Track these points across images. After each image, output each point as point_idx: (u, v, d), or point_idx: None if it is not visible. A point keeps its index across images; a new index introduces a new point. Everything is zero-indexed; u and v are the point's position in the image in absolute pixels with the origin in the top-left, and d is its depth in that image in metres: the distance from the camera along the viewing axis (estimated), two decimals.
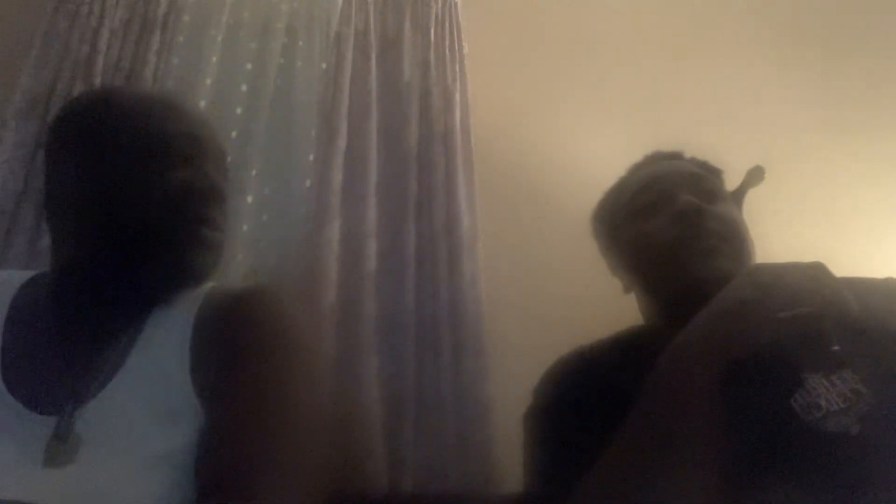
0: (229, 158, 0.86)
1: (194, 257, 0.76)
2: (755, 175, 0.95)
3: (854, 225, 1.59)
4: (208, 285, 0.81)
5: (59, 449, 0.65)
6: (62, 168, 0.79)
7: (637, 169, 0.97)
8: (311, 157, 1.62)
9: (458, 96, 1.65)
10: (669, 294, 0.84)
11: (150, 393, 0.69)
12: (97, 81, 1.57)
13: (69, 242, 0.77)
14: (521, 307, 1.51)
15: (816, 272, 0.69)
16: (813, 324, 0.64)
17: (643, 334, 0.90)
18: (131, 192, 0.74)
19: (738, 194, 0.94)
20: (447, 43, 1.70)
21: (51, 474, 0.63)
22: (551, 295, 1.50)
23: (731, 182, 0.97)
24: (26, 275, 0.82)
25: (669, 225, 0.83)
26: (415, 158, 1.59)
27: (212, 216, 0.77)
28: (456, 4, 1.76)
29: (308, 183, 1.61)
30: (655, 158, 0.97)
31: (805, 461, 0.68)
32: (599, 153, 1.49)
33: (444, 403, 1.40)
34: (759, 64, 1.77)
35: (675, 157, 0.97)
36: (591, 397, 0.80)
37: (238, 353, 0.71)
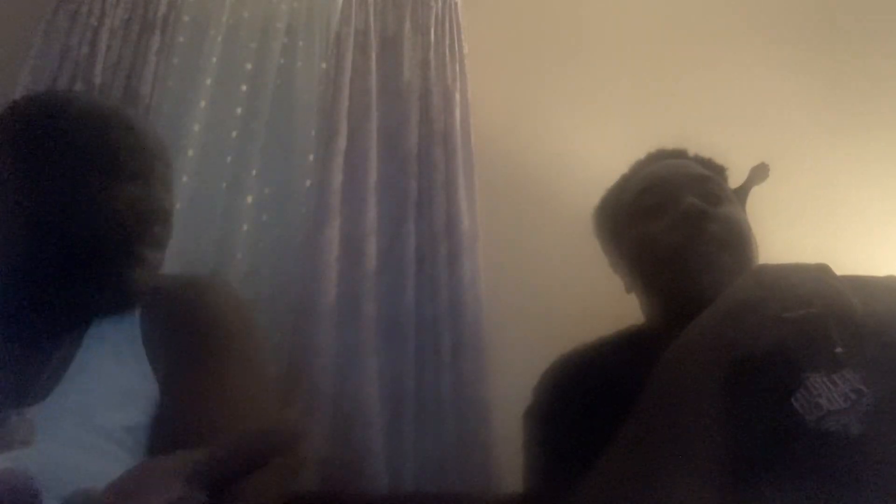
0: (174, 171, 0.85)
1: (130, 276, 0.76)
2: (759, 172, 0.95)
3: (856, 225, 1.59)
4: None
5: (11, 436, 0.66)
6: (2, 168, 0.77)
7: (640, 167, 0.97)
8: (311, 157, 1.62)
9: (458, 96, 1.65)
10: (671, 296, 0.84)
11: (107, 377, 0.71)
12: (97, 81, 1.57)
13: (9, 241, 0.77)
14: (521, 307, 1.51)
15: (820, 273, 0.68)
16: (817, 325, 0.64)
17: (643, 333, 0.89)
18: (74, 206, 0.73)
19: (742, 192, 0.94)
20: (447, 43, 1.70)
21: (5, 455, 0.64)
22: (551, 295, 1.50)
23: (735, 181, 0.96)
24: None
25: (673, 227, 0.82)
26: (415, 158, 1.59)
27: (153, 237, 0.78)
28: (456, 4, 1.76)
29: (308, 183, 1.61)
30: (659, 157, 0.96)
31: (806, 461, 0.68)
32: (600, 153, 1.49)
33: (444, 403, 1.40)
34: (762, 64, 1.77)
35: (679, 154, 0.96)
36: (590, 396, 0.80)
37: (189, 338, 0.73)
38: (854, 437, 0.66)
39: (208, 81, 1.63)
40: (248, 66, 1.69)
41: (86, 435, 0.66)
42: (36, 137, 0.76)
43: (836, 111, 1.72)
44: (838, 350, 0.65)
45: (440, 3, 1.74)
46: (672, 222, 0.83)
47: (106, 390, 0.70)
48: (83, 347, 0.74)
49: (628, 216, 0.90)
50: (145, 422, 0.68)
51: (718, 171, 0.94)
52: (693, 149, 0.97)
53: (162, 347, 0.73)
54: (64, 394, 0.70)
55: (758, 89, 1.74)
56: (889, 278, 0.83)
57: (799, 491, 0.66)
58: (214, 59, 1.66)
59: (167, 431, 0.67)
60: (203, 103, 1.60)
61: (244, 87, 1.67)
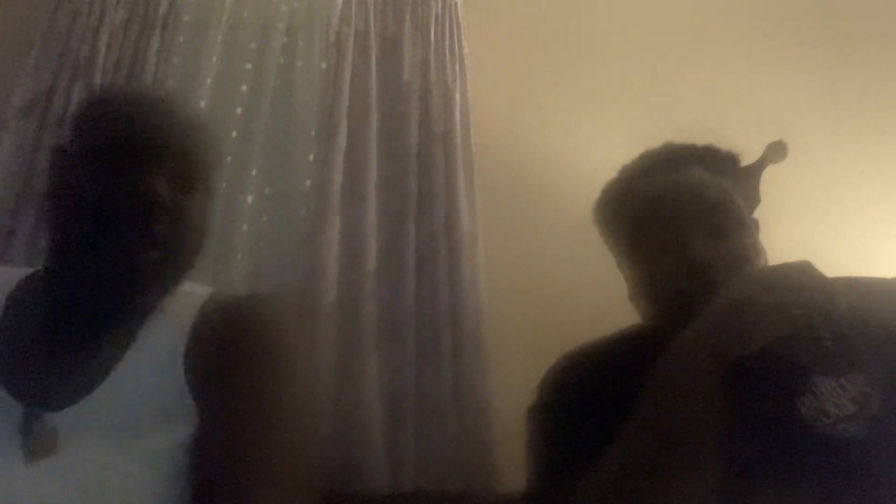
0: (209, 161, 0.80)
1: (122, 276, 0.71)
2: (776, 151, 0.88)
3: (857, 224, 1.58)
4: (206, 291, 0.81)
5: (35, 444, 0.65)
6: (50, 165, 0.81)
7: (646, 167, 0.91)
8: (311, 157, 1.62)
9: (458, 96, 1.65)
10: (674, 325, 0.82)
11: (145, 392, 0.69)
12: (97, 81, 1.57)
13: (50, 241, 0.78)
14: (521, 307, 1.51)
15: (804, 270, 0.69)
16: (805, 321, 0.65)
17: (646, 332, 0.89)
18: (73, 199, 0.73)
19: (756, 170, 0.89)
20: (447, 43, 1.70)
21: (31, 469, 0.63)
22: (551, 295, 1.50)
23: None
24: (24, 271, 0.82)
25: (678, 274, 0.79)
26: (415, 158, 1.59)
27: (147, 232, 0.71)
28: (456, 4, 1.76)
29: (308, 183, 1.61)
30: (666, 153, 0.92)
31: (812, 468, 0.67)
32: (600, 152, 1.48)
33: (444, 403, 1.40)
34: (762, 63, 1.77)
35: (688, 150, 0.91)
36: (594, 394, 0.80)
37: (233, 361, 0.72)
38: (862, 442, 0.66)
39: (208, 81, 1.63)
40: (248, 66, 1.69)
41: (113, 455, 0.64)
42: (76, 128, 0.79)
43: (839, 110, 1.72)
44: (827, 343, 0.65)
45: (440, 3, 1.74)
46: (676, 268, 0.79)
47: (140, 407, 0.68)
48: (123, 360, 0.72)
49: (631, 238, 0.87)
50: (178, 444, 0.67)
51: (729, 161, 0.90)
52: (701, 140, 0.93)
53: (207, 368, 0.71)
54: (95, 403, 0.68)
55: (758, 88, 1.74)
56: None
57: (804, 495, 0.66)
58: (214, 59, 1.66)
59: (207, 459, 0.65)
60: (203, 103, 1.60)
61: (244, 87, 1.66)
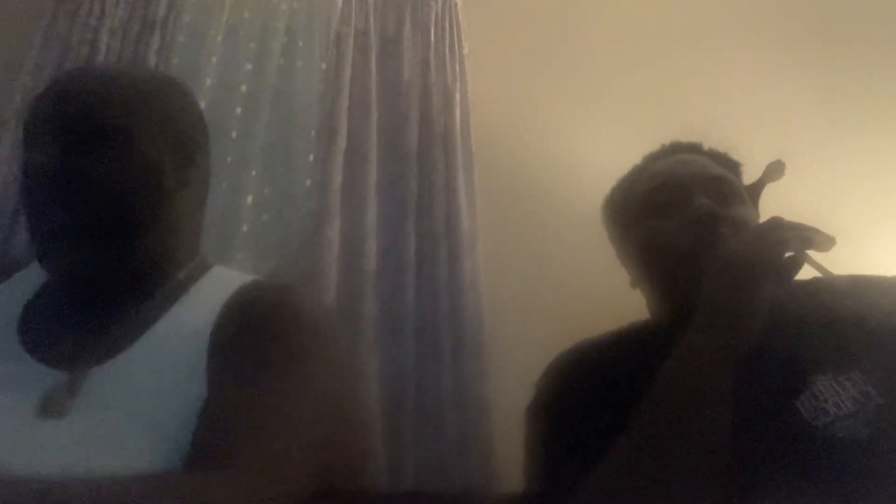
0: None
1: (50, 250, 0.75)
2: (775, 170, 0.90)
3: (857, 224, 1.58)
4: (250, 277, 0.83)
5: (57, 402, 0.65)
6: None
7: (654, 159, 0.94)
8: (311, 157, 1.62)
9: (458, 96, 1.66)
10: (677, 295, 0.82)
11: (163, 367, 0.70)
12: None
13: None
14: (521, 307, 1.51)
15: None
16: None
17: (648, 329, 0.89)
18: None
19: (756, 189, 0.91)
20: (447, 43, 1.71)
21: (44, 425, 0.64)
22: (551, 295, 1.50)
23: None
24: None
25: (682, 228, 0.80)
26: (415, 158, 1.59)
27: (56, 203, 0.73)
28: (456, 4, 1.76)
29: (308, 183, 1.61)
30: (674, 149, 0.93)
31: (812, 467, 0.67)
32: (600, 152, 1.49)
33: (444, 403, 1.40)
34: (764, 64, 1.77)
35: (694, 148, 0.93)
36: (594, 391, 0.79)
37: (254, 336, 0.72)
38: (862, 442, 0.65)
39: (208, 81, 1.63)
40: (248, 66, 1.69)
41: (118, 422, 0.64)
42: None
43: (841, 111, 1.72)
44: (826, 340, 0.65)
45: (440, 3, 1.74)
46: (682, 223, 0.80)
47: (155, 380, 0.69)
48: (149, 332, 0.73)
49: (638, 211, 0.88)
50: (181, 421, 0.66)
51: (733, 166, 0.91)
52: (708, 143, 0.95)
53: (227, 341, 0.72)
54: (122, 366, 0.69)
55: (759, 89, 1.74)
56: None
57: (805, 496, 0.65)
58: (214, 59, 1.66)
59: (207, 427, 0.65)
60: (203, 103, 1.60)
61: (244, 87, 1.67)
